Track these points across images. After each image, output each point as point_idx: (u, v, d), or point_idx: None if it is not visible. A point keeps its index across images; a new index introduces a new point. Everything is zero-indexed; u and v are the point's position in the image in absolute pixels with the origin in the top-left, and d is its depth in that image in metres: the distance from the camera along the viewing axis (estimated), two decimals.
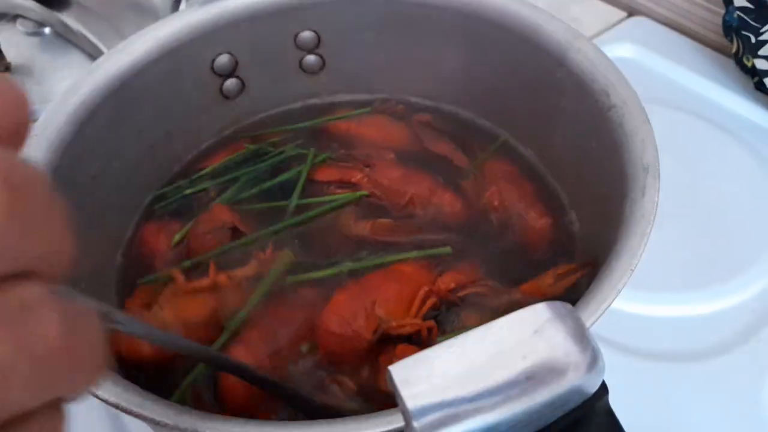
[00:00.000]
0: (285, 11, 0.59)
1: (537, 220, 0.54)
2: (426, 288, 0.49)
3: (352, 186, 0.57)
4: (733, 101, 0.79)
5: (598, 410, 0.29)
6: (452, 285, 0.50)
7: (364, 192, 0.57)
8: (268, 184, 0.58)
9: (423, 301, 0.49)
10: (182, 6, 0.56)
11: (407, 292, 0.49)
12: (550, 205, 0.57)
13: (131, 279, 0.53)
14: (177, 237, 0.54)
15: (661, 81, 0.82)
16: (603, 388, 0.29)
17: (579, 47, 0.51)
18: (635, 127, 0.45)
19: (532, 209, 0.55)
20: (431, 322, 0.48)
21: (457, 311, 0.50)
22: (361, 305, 0.48)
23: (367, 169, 0.58)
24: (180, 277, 0.50)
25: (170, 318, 0.48)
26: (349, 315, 0.47)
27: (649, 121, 0.45)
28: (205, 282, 0.49)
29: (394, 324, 0.47)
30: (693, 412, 0.54)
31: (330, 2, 0.60)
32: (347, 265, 0.51)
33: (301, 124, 0.64)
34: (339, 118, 0.64)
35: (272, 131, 0.64)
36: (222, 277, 0.49)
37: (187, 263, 0.52)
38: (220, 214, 0.54)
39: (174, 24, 0.55)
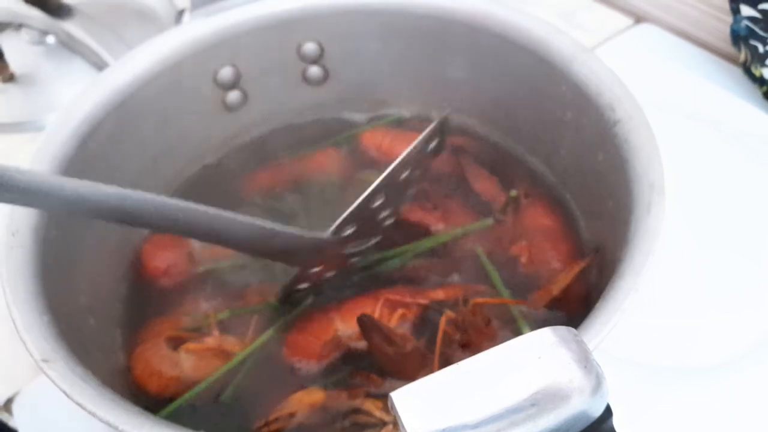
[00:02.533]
0: (288, 23, 0.59)
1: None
2: (383, 299, 0.51)
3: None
4: (742, 110, 0.78)
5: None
6: (441, 296, 0.51)
7: None
8: None
9: (381, 312, 0.50)
10: (185, 19, 0.56)
11: (370, 306, 0.51)
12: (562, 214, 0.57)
13: (137, 298, 0.54)
14: (202, 269, 0.55)
15: (668, 88, 0.81)
16: (607, 411, 0.29)
17: (584, 61, 0.51)
18: (641, 143, 0.45)
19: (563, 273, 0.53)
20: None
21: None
22: (320, 319, 0.51)
23: (439, 213, 0.58)
24: (216, 334, 0.50)
25: (188, 369, 0.48)
26: (306, 326, 0.51)
27: (655, 136, 0.45)
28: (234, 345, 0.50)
29: (354, 335, 0.50)
30: (705, 426, 0.53)
31: (333, 13, 0.59)
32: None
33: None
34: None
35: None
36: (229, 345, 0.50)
37: (225, 314, 0.52)
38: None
39: (177, 37, 0.55)
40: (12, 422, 0.55)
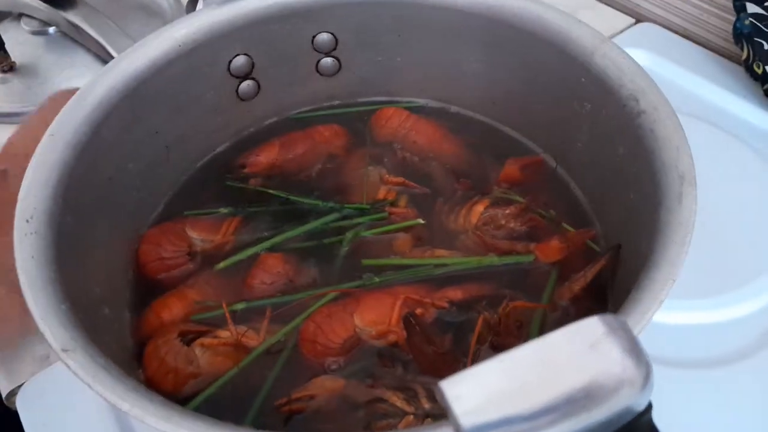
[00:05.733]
0: (303, 13, 0.58)
1: None
2: (403, 297, 0.50)
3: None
4: (743, 108, 0.79)
5: (642, 426, 0.28)
6: (459, 295, 0.50)
7: (419, 221, 0.56)
8: (311, 225, 0.57)
9: (401, 311, 0.49)
10: (199, 6, 0.55)
11: (389, 304, 0.50)
12: (571, 213, 0.56)
13: (145, 282, 0.53)
14: (222, 265, 0.54)
15: (668, 87, 0.78)
16: (649, 403, 0.28)
17: (605, 52, 0.51)
18: (668, 134, 0.44)
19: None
20: None
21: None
22: (339, 315, 0.50)
23: None
24: (231, 327, 0.49)
25: (204, 365, 0.47)
26: (324, 323, 0.49)
27: (682, 127, 0.44)
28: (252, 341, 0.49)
29: (373, 332, 0.49)
30: (714, 418, 0.53)
31: (348, 4, 0.59)
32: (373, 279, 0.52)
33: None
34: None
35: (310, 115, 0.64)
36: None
37: (240, 306, 0.51)
38: (274, 266, 0.53)
39: (191, 24, 0.54)
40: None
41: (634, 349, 0.26)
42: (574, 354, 0.26)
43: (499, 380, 0.25)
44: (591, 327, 0.27)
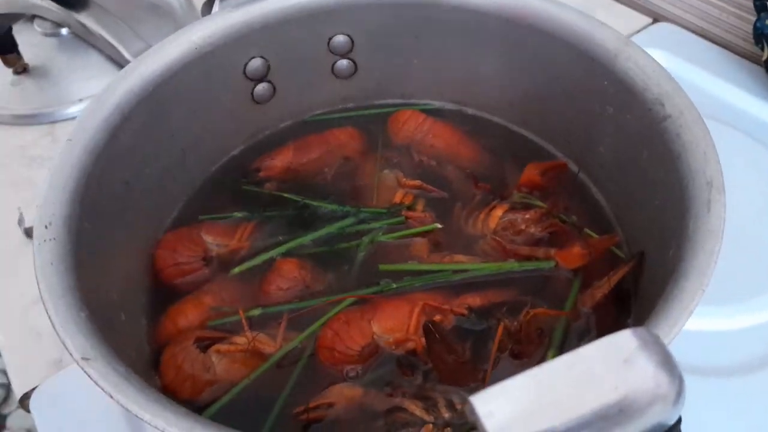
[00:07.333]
0: (319, 15, 0.57)
1: None
2: (422, 304, 0.49)
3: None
4: (762, 109, 0.78)
5: None
6: (477, 302, 0.50)
7: (437, 225, 0.56)
8: (327, 230, 0.56)
9: (419, 318, 0.49)
10: (215, 9, 0.54)
11: (408, 311, 0.49)
12: (593, 218, 0.55)
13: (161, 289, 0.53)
14: (237, 270, 0.54)
15: (686, 88, 0.79)
16: (678, 417, 0.28)
17: (629, 54, 0.50)
18: (695, 139, 0.43)
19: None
20: None
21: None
22: (357, 322, 0.49)
23: None
24: (248, 333, 0.49)
25: (221, 372, 0.47)
26: (342, 330, 0.49)
27: (709, 133, 0.43)
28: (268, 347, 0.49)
29: (391, 340, 0.48)
30: (735, 429, 0.52)
31: (365, 6, 0.58)
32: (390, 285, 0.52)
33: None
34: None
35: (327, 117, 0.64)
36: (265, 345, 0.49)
37: (256, 311, 0.51)
38: (291, 271, 0.53)
39: (207, 27, 0.53)
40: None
41: (667, 363, 0.26)
42: (607, 369, 0.25)
43: (531, 396, 0.25)
44: (624, 341, 0.26)
